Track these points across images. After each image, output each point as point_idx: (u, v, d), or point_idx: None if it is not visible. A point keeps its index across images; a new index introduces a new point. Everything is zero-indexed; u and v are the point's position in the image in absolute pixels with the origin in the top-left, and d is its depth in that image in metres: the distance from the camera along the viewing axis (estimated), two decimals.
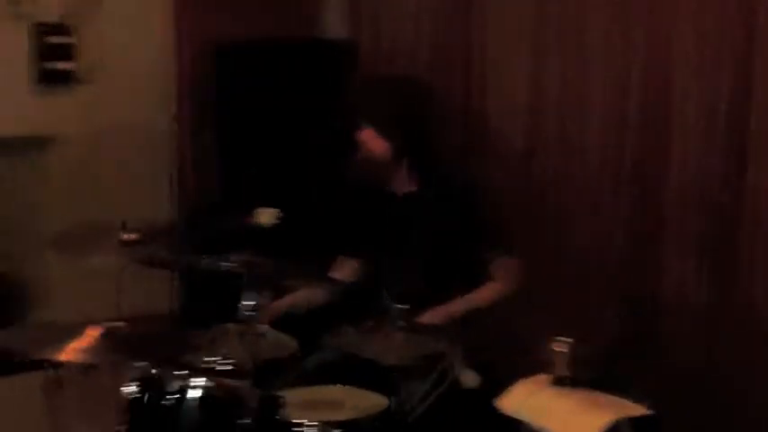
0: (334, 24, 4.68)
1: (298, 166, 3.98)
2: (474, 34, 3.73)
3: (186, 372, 2.19)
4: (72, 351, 2.27)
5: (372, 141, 2.83)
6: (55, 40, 4.55)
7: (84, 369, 2.36)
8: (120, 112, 4.73)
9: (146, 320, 3.53)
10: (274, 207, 3.37)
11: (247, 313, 2.82)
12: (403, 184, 2.88)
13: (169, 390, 2.14)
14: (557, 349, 2.37)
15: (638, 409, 2.29)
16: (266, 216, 3.26)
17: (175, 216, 4.88)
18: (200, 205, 4.65)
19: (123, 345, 2.36)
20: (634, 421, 2.24)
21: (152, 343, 2.48)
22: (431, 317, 2.74)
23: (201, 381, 2.15)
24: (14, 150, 4.70)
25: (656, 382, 2.70)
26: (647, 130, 3.19)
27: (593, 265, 3.32)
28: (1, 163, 4.70)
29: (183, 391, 2.14)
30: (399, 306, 2.37)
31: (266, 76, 4.19)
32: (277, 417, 2.23)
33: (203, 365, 2.35)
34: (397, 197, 2.89)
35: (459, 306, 2.86)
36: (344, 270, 3.05)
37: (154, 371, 2.19)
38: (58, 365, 2.39)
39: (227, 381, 2.13)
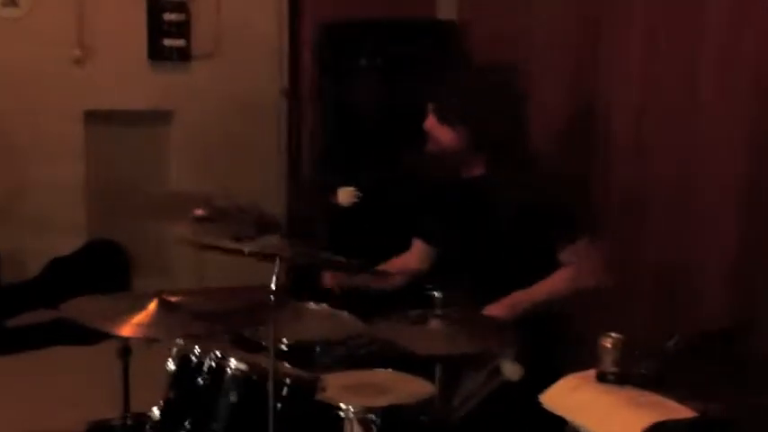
0: (448, 6, 4.62)
1: (389, 146, 3.97)
2: (586, 15, 3.54)
3: (226, 351, 2.25)
4: (134, 325, 2.36)
5: (438, 130, 2.79)
6: (171, 17, 4.73)
7: (148, 342, 2.44)
8: (233, 87, 4.88)
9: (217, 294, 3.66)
10: (355, 186, 3.38)
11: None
12: (471, 169, 2.82)
13: (207, 368, 2.20)
14: (605, 344, 2.28)
15: (683, 412, 2.18)
16: (345, 195, 3.27)
17: (282, 190, 5.01)
18: (303, 182, 4.74)
19: (185, 318, 2.44)
20: (682, 423, 2.14)
21: (214, 317, 2.55)
22: (495, 309, 2.61)
23: (240, 362, 2.19)
24: (137, 122, 4.96)
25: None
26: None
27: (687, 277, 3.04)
28: (126, 134, 4.97)
29: (221, 370, 2.19)
30: (441, 294, 2.32)
31: (371, 56, 4.18)
32: (316, 399, 2.25)
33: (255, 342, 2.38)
34: (464, 182, 2.83)
35: (525, 297, 2.66)
36: (416, 254, 3.04)
37: (196, 348, 2.25)
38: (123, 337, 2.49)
39: (264, 360, 2.14)
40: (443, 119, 2.76)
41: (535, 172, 2.77)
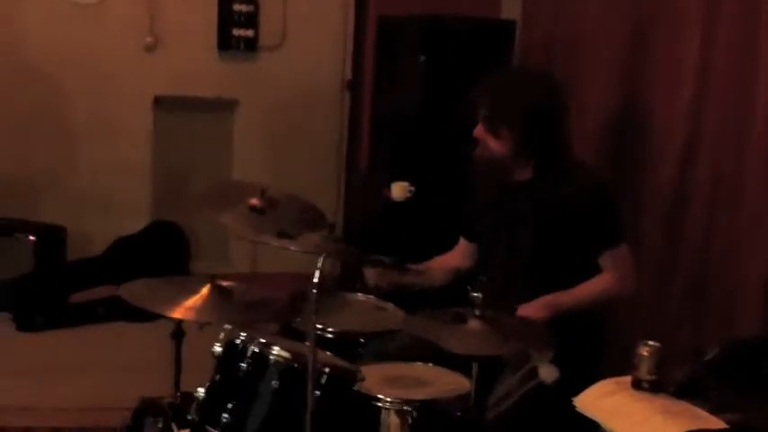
0: (512, 5, 4.62)
1: (441, 144, 4.01)
2: (641, 20, 3.51)
3: (271, 338, 2.33)
4: (186, 308, 2.44)
5: (486, 138, 2.82)
6: (241, 8, 4.84)
7: (200, 324, 2.53)
8: (297, 78, 4.99)
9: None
10: (409, 182, 3.44)
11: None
12: (520, 173, 2.85)
13: (251, 354, 2.28)
14: (641, 352, 2.31)
15: (716, 423, 2.19)
16: (398, 190, 3.34)
17: (341, 182, 5.09)
18: (358, 176, 4.80)
19: (235, 304, 2.52)
20: None
21: (263, 305, 2.63)
22: (527, 310, 2.65)
23: (282, 350, 2.26)
24: (204, 110, 5.09)
25: None
26: None
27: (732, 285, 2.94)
28: (192, 120, 5.11)
29: (264, 357, 2.28)
30: (480, 295, 2.36)
31: (429, 52, 4.21)
32: (353, 389, 2.31)
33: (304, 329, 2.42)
34: (513, 184, 2.87)
35: (561, 299, 2.68)
36: (460, 252, 3.08)
37: (242, 334, 2.34)
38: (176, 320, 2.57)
39: (306, 349, 2.21)
40: (491, 128, 2.79)
41: (580, 176, 2.79)
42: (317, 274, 2.13)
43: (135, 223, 4.87)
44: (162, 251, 4.86)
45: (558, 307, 2.69)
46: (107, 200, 4.90)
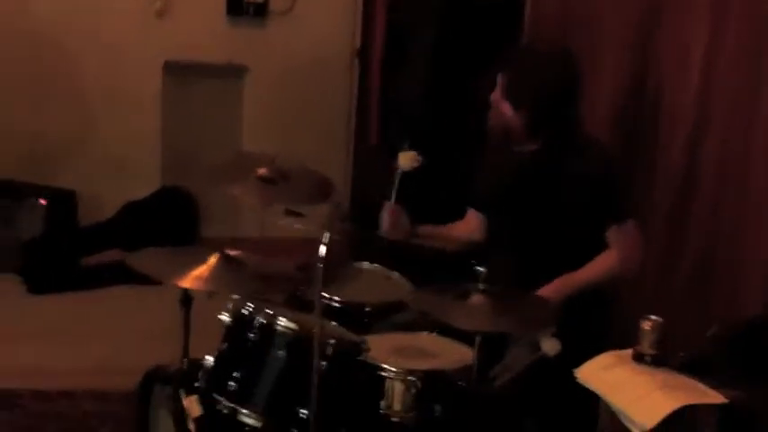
0: None
1: (451, 116, 4.01)
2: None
3: (278, 309, 2.36)
4: (193, 277, 2.47)
5: (502, 104, 2.83)
6: None
7: (209, 293, 2.56)
8: (307, 45, 4.98)
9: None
10: (416, 151, 3.42)
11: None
12: (529, 144, 2.86)
13: (258, 324, 2.32)
14: (644, 327, 2.33)
15: (716, 398, 2.22)
16: (406, 159, 3.32)
17: (350, 151, 5.10)
18: (367, 145, 4.81)
19: (243, 275, 2.54)
20: (718, 409, 2.18)
21: (270, 276, 2.66)
22: (546, 292, 2.64)
23: (289, 321, 2.29)
24: (213, 75, 5.09)
25: None
26: None
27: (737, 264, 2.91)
28: (202, 86, 5.12)
29: (271, 327, 2.32)
30: (485, 270, 2.37)
31: (438, 25, 4.19)
32: (360, 359, 2.35)
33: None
34: (520, 156, 2.88)
35: (573, 281, 2.70)
36: (469, 223, 3.08)
37: (249, 305, 2.37)
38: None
39: (313, 320, 2.23)
40: (509, 95, 2.80)
41: (590, 151, 2.80)
42: (322, 249, 2.14)
43: (145, 188, 4.90)
44: (171, 216, 4.90)
45: (568, 288, 2.71)
46: (117, 165, 4.93)
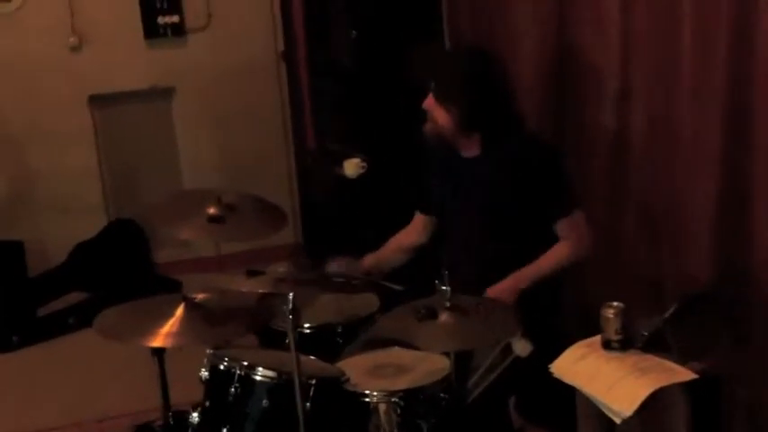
0: None
1: (385, 115, 4.03)
2: None
3: (252, 358, 2.39)
4: (164, 335, 2.46)
5: (435, 110, 2.86)
6: None
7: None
8: (230, 56, 4.93)
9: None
10: (360, 157, 3.45)
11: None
12: (469, 148, 2.90)
13: (237, 378, 2.33)
14: (606, 315, 2.40)
15: (686, 374, 2.30)
16: (351, 167, 3.35)
17: (291, 155, 5.10)
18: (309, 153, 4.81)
19: (211, 323, 2.54)
20: (686, 386, 2.26)
21: (239, 313, 2.67)
22: (497, 292, 2.71)
23: (267, 369, 2.33)
24: (141, 102, 5.04)
25: None
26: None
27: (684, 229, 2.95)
28: (131, 114, 5.06)
29: (250, 378, 2.30)
30: (445, 287, 2.41)
31: (356, 24, 4.20)
32: (341, 391, 2.38)
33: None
34: (463, 160, 2.92)
35: (525, 275, 2.76)
36: (416, 227, 3.11)
37: (225, 359, 2.39)
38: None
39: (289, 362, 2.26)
40: (440, 98, 2.84)
41: (528, 149, 2.85)
42: (289, 308, 2.18)
43: (92, 226, 4.85)
44: (123, 250, 4.87)
45: (522, 284, 2.77)
46: (61, 208, 4.86)
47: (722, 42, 2.72)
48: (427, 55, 2.93)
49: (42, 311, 4.59)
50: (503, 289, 2.72)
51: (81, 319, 4.44)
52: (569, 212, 2.80)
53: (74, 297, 4.69)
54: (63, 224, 4.83)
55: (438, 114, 2.84)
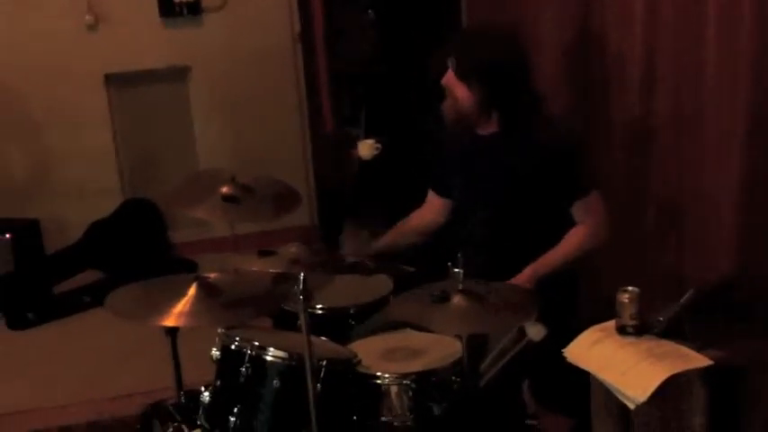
0: None
1: (402, 97, 4.00)
2: None
3: (263, 338, 2.37)
4: (176, 314, 2.45)
5: (456, 87, 2.83)
6: None
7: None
8: (246, 36, 4.92)
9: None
10: (375, 139, 3.44)
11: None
12: (487, 126, 2.87)
13: (248, 358, 2.32)
14: (622, 299, 2.38)
15: (702, 361, 2.27)
16: (365, 148, 3.34)
17: (306, 137, 5.08)
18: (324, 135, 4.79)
19: (224, 305, 2.52)
20: (705, 374, 2.23)
21: (251, 296, 2.66)
22: (518, 281, 2.68)
23: (278, 350, 2.32)
24: (156, 81, 5.03)
25: None
26: None
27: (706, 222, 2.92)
28: (147, 93, 5.05)
29: (261, 359, 2.29)
30: (459, 270, 2.38)
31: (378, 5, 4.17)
32: (353, 373, 2.37)
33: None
34: (479, 138, 2.89)
35: (543, 263, 2.73)
36: (431, 208, 3.09)
37: (237, 339, 2.38)
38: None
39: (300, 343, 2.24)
40: (461, 75, 2.80)
41: (545, 129, 2.82)
42: (300, 289, 2.16)
43: (108, 205, 4.86)
44: (138, 229, 4.88)
45: (541, 272, 2.74)
46: (77, 186, 4.89)
47: (745, 33, 2.68)
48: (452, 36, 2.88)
49: (58, 290, 4.62)
50: (522, 279, 2.70)
51: (96, 297, 4.46)
52: (586, 193, 2.76)
53: (89, 276, 4.71)
54: (79, 204, 4.85)
55: (459, 91, 2.81)
